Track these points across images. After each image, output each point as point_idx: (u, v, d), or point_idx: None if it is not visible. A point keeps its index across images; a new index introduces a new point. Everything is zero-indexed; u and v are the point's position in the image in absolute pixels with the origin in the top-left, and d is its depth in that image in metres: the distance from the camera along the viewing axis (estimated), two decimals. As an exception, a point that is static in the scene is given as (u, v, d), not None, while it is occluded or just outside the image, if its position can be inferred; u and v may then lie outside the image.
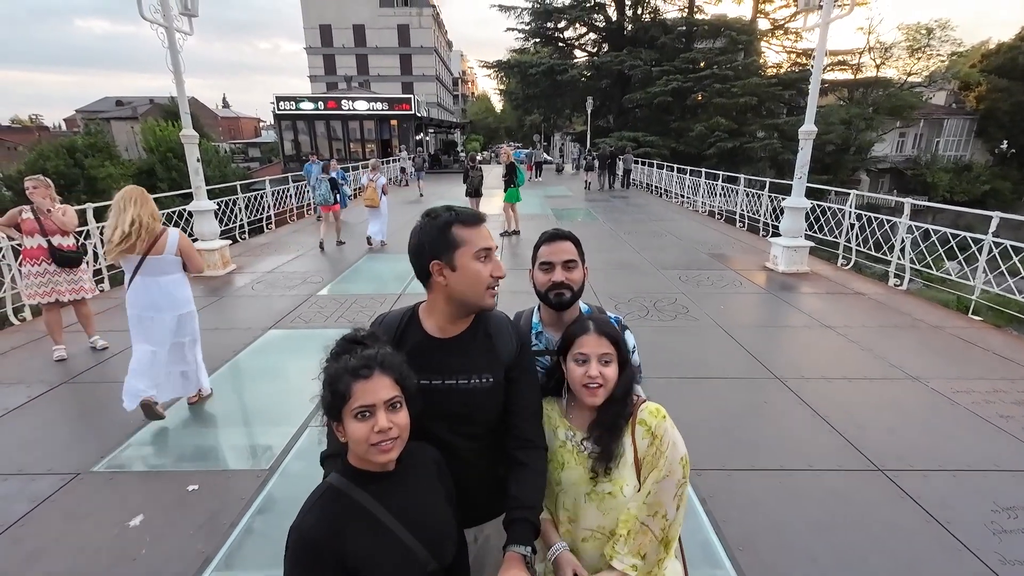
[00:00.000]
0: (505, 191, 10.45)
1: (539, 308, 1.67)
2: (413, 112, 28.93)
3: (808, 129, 7.19)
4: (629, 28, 33.85)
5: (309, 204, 13.61)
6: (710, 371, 4.37)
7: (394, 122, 29.34)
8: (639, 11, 34.29)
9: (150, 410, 3.37)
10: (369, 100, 29.47)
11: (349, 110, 29.01)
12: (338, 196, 9.64)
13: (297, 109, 28.72)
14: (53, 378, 4.18)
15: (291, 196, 13.11)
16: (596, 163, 20.44)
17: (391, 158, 25.09)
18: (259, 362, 4.66)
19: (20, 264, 4.64)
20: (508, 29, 35.83)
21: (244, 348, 4.85)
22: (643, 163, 21.62)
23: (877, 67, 31.78)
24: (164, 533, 2.53)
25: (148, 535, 2.52)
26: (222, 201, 9.82)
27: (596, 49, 36.26)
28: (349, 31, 47.35)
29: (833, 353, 4.77)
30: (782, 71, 30.99)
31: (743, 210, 11.83)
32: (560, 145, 42.51)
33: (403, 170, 23.25)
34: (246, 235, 10.59)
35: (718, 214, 13.24)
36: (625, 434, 1.34)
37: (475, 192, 11.24)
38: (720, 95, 27.76)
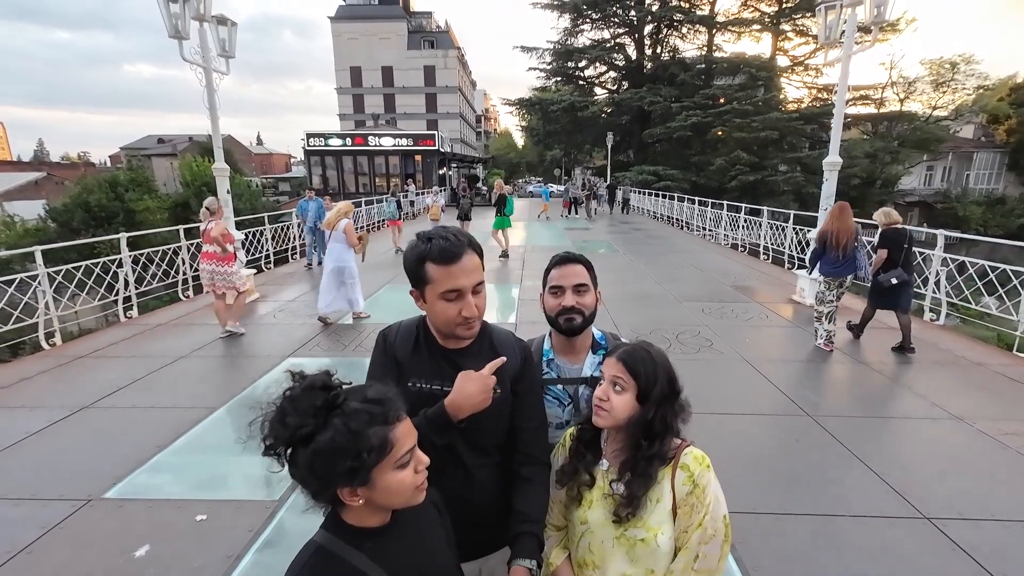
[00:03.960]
0: (495, 219, 11.77)
1: (550, 335, 1.61)
2: (436, 148, 29.71)
3: (833, 160, 7.09)
4: (649, 66, 34.57)
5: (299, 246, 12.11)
6: (736, 406, 4.18)
7: (418, 157, 30.15)
8: (658, 50, 35.08)
9: (323, 320, 6.36)
10: (395, 136, 30.44)
11: (375, 146, 29.98)
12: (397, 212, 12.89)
13: (326, 145, 29.81)
14: (74, 403, 4.23)
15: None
16: (591, 193, 24.50)
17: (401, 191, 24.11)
18: (276, 391, 4.63)
19: (222, 264, 5.93)
20: (530, 68, 36.90)
21: (262, 376, 4.86)
22: (663, 196, 21.63)
23: (901, 101, 31.64)
24: (169, 564, 2.46)
25: (153, 566, 2.45)
26: (250, 232, 10.10)
27: (616, 86, 37.02)
28: (378, 72, 49.50)
29: (868, 390, 4.54)
30: (803, 106, 31.05)
31: (767, 242, 11.63)
32: (584, 179, 43.00)
33: (412, 203, 21.72)
34: (271, 265, 10.83)
35: (741, 246, 13.05)
36: (664, 478, 1.23)
37: (464, 216, 12.59)
38: (740, 129, 27.87)
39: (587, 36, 35.50)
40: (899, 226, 5.41)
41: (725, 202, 14.82)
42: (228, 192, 7.73)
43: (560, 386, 1.53)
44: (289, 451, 0.88)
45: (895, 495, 2.96)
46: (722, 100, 29.69)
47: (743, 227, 13.07)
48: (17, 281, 5.72)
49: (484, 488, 1.32)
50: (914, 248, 5.40)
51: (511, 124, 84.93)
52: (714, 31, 32.46)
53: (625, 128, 34.65)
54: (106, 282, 6.83)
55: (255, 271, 8.47)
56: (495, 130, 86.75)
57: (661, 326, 6.26)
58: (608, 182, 28.01)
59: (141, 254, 7.58)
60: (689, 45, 34.46)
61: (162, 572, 2.42)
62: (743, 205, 13.53)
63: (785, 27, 30.76)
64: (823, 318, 5.45)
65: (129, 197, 25.05)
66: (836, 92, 7.23)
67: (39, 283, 5.85)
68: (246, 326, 6.42)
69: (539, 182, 54.95)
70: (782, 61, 31.84)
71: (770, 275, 9.79)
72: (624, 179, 30.86)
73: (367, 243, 7.04)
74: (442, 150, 30.71)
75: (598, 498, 1.27)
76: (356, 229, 12.45)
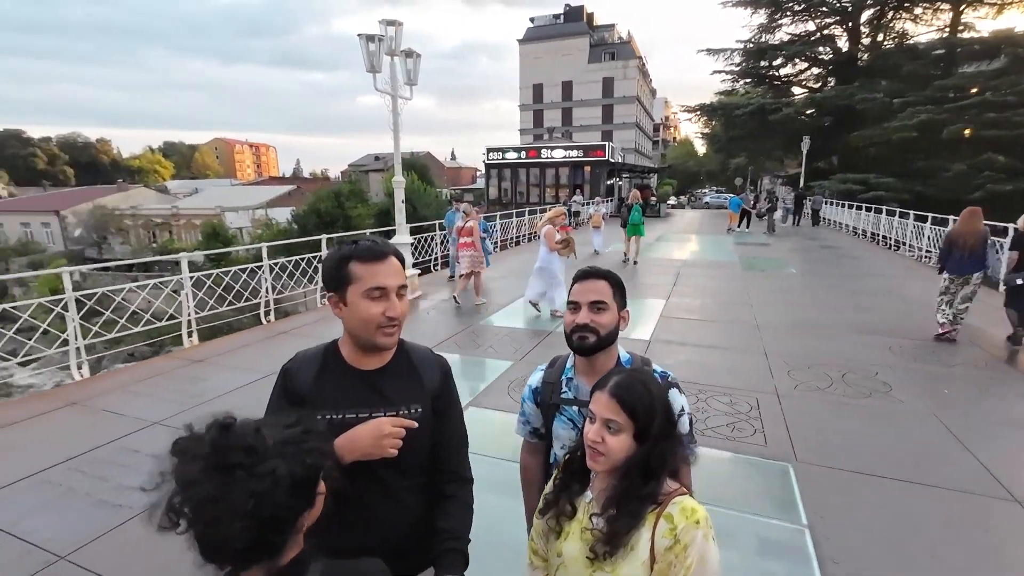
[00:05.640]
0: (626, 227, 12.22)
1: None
2: (606, 158, 29.68)
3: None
4: (864, 58, 29.57)
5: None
6: (904, 471, 3.35)
7: (587, 168, 30.48)
8: (880, 38, 29.76)
9: (533, 305, 7.38)
10: (566, 148, 31.29)
11: (547, 158, 31.22)
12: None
13: (503, 158, 32.06)
14: (268, 369, 5.30)
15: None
16: (772, 204, 21.50)
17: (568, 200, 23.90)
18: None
19: (474, 251, 8.12)
20: (714, 72, 34.37)
21: (403, 365, 5.46)
22: (868, 209, 18.17)
23: None
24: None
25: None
26: (422, 237, 11.43)
27: (820, 84, 32.50)
28: (558, 87, 51.52)
29: None
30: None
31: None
32: (769, 189, 38.67)
33: (577, 213, 21.18)
34: (439, 267, 12.06)
35: (973, 274, 10.31)
36: (644, 525, 1.11)
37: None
38: (995, 126, 21.96)
39: (786, 31, 31.90)
40: None
41: (952, 217, 11.84)
42: (403, 202, 8.88)
43: (576, 408, 1.46)
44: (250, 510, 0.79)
45: None
46: (974, 90, 23.67)
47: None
48: (248, 270, 7.40)
49: (410, 510, 1.28)
50: None
51: (691, 132, 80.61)
52: (962, 8, 26.30)
53: (826, 131, 30.08)
54: (308, 274, 8.41)
55: (419, 272, 9.52)
56: (674, 139, 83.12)
57: (825, 361, 5.32)
58: (795, 191, 24.56)
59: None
60: (924, 28, 28.53)
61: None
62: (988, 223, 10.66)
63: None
64: (943, 305, 6.12)
65: (348, 206, 30.34)
66: None
67: (263, 272, 7.48)
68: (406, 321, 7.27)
69: (719, 191, 51.03)
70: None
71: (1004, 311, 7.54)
72: (822, 189, 26.81)
73: (573, 244, 7.38)
74: (611, 160, 30.54)
75: (576, 531, 1.19)
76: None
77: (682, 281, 9.74)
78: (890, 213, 15.76)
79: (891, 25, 29.43)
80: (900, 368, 5.16)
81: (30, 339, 5.20)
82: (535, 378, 1.58)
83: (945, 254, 6.13)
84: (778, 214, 22.07)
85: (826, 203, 24.37)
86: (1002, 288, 6.66)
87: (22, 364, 5.48)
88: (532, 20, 54.44)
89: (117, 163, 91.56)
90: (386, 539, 1.24)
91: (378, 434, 1.16)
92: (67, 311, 5.17)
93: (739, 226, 20.54)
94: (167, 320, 6.30)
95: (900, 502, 3.05)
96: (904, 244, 14.31)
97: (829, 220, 23.50)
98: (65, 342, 5.21)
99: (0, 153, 79.53)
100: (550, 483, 1.33)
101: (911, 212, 14.02)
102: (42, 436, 3.95)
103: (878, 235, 16.56)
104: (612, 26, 56.29)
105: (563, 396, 1.48)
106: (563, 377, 1.51)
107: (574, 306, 1.43)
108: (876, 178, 24.43)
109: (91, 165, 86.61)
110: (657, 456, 1.14)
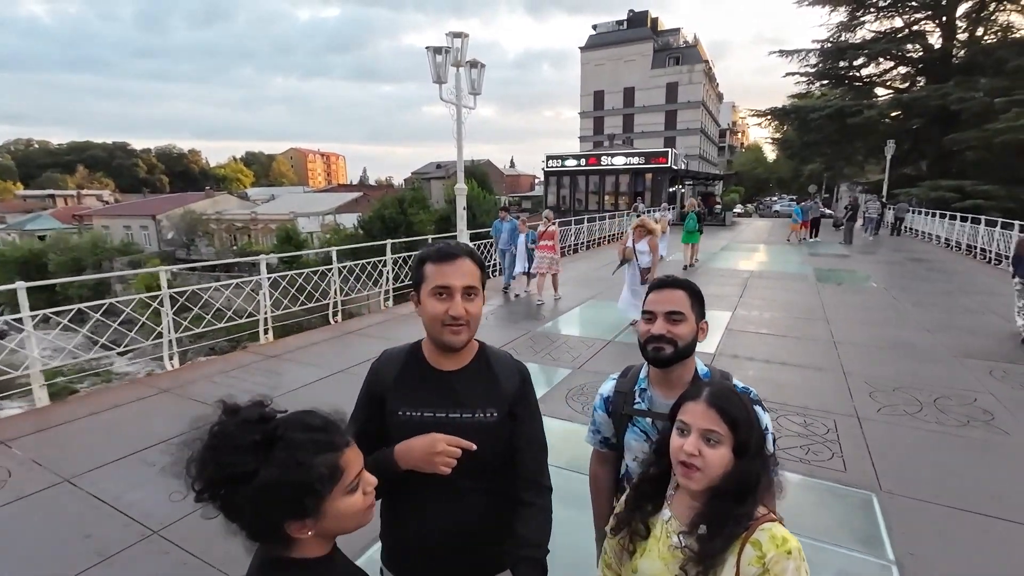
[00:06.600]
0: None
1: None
2: (668, 165, 28.93)
3: None
4: (960, 55, 27.12)
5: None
6: (1011, 512, 3.01)
7: (648, 175, 29.84)
8: (979, 32, 27.19)
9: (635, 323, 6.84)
10: (627, 155, 30.82)
11: (607, 165, 30.86)
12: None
13: (562, 166, 32.02)
14: (335, 367, 5.55)
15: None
16: (851, 212, 19.90)
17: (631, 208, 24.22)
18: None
19: (552, 253, 8.70)
20: (788, 74, 32.60)
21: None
22: (965, 219, 16.54)
23: None
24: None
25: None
26: (481, 243, 11.60)
27: (908, 83, 30.12)
28: (619, 94, 50.89)
29: None
30: None
31: None
32: (853, 196, 36.14)
33: None
34: (495, 273, 12.16)
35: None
36: (731, 550, 1.04)
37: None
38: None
39: (869, 28, 29.85)
40: None
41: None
42: (464, 208, 9.06)
43: (649, 420, 1.42)
44: (223, 492, 0.82)
45: None
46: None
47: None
48: (319, 272, 7.81)
49: (475, 511, 1.27)
50: None
51: (760, 137, 77.09)
52: (1081, -5, 23.58)
53: (915, 134, 27.84)
54: (373, 278, 8.75)
55: (479, 277, 9.64)
56: (742, 144, 79.77)
57: (914, 384, 4.89)
58: (879, 199, 22.82)
59: (399, 257, 9.46)
60: (1033, 19, 25.78)
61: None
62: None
63: None
64: (1021, 312, 6.41)
65: (410, 212, 31.38)
66: None
67: (332, 275, 7.85)
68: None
69: (792, 199, 48.42)
70: None
71: None
72: (909, 196, 24.79)
73: (628, 254, 6.92)
74: (674, 167, 29.72)
75: (654, 548, 1.15)
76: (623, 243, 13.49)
77: (750, 293, 9.28)
78: (990, 223, 14.31)
79: (993, 17, 26.85)
80: (1004, 395, 4.65)
81: (129, 331, 5.73)
82: (607, 387, 1.55)
83: (1017, 259, 6.57)
84: (858, 224, 20.62)
85: (911, 212, 22.56)
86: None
87: (121, 353, 6.05)
88: (594, 27, 54.13)
89: (206, 172, 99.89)
90: (449, 538, 1.25)
91: (431, 450, 1.17)
92: (162, 306, 5.67)
93: (809, 236, 19.36)
94: (245, 317, 6.75)
95: (1013, 548, 2.73)
96: (1007, 258, 12.92)
97: (914, 230, 21.71)
98: (159, 334, 5.71)
99: (109, 163, 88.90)
100: (620, 502, 1.30)
101: (1015, 223, 12.65)
102: (140, 419, 4.35)
103: (975, 247, 15.07)
104: (677, 30, 54.90)
105: (636, 407, 1.45)
106: (636, 388, 1.48)
107: (649, 316, 1.40)
108: (974, 185, 22.27)
109: (184, 174, 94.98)
110: (753, 472, 1.09)
